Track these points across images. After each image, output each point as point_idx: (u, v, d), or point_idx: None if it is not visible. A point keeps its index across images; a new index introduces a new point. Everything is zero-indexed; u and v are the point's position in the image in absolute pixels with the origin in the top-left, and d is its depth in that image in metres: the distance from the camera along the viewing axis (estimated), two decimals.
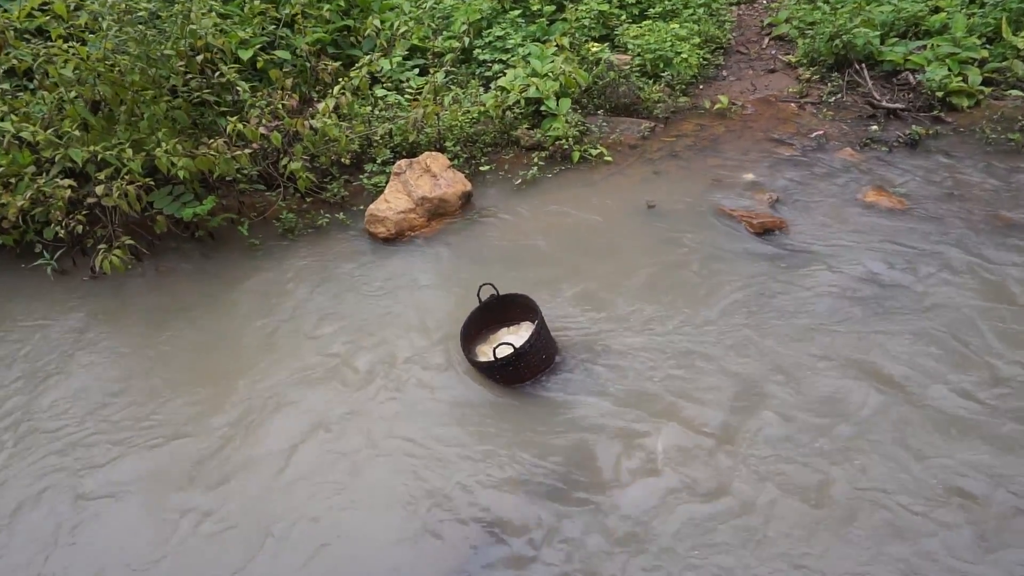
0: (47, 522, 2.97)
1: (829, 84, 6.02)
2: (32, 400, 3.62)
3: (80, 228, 4.22)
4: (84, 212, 4.25)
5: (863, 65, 5.97)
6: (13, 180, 4.29)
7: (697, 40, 6.33)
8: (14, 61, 4.19)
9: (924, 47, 5.85)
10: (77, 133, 4.10)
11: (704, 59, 6.40)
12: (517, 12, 6.35)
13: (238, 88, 4.61)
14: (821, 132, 5.43)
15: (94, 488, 3.11)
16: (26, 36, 4.55)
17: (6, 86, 4.59)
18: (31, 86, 4.70)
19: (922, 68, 5.67)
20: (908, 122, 5.39)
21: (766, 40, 6.88)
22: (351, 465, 3.09)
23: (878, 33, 5.97)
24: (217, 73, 4.60)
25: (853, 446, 2.90)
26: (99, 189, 4.04)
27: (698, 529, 2.64)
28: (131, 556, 2.80)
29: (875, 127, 5.40)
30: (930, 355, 3.28)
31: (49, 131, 4.11)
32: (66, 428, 3.42)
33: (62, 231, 4.25)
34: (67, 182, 4.10)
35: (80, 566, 2.79)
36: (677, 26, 6.23)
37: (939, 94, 5.41)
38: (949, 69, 5.47)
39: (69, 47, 4.12)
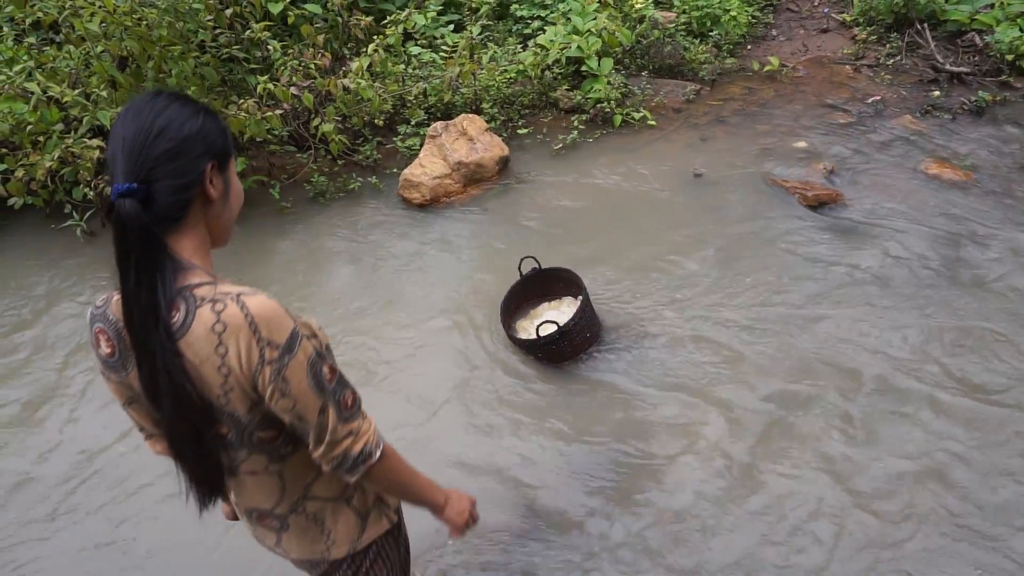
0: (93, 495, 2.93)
1: (887, 45, 5.68)
2: (58, 365, 3.56)
3: (109, 189, 4.11)
4: None
5: (925, 25, 5.61)
6: (41, 138, 4.19)
7: None
8: (40, 14, 4.04)
9: (992, 5, 5.47)
10: (104, 93, 3.95)
11: (753, 17, 6.08)
12: None
13: (268, 46, 4.42)
14: (878, 97, 5.13)
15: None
16: None
17: (32, 39, 4.45)
18: (58, 39, 4.56)
19: (990, 28, 5.30)
20: (973, 87, 5.07)
21: None
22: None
23: None
24: (258, 28, 4.41)
25: (923, 446, 2.74)
26: None
27: (752, 523, 2.52)
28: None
29: (937, 93, 5.09)
30: (1001, 345, 3.08)
31: (77, 91, 3.97)
32: (87, 395, 3.36)
33: (91, 192, 4.15)
34: (95, 142, 3.97)
35: None
36: None
37: (1009, 57, 5.07)
38: (1021, 30, 5.10)
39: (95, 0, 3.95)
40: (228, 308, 1.12)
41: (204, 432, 1.21)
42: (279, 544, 1.47)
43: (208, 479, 1.29)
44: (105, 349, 1.23)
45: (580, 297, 3.25)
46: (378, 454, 1.30)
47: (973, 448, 2.65)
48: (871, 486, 2.56)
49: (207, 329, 1.11)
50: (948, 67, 5.22)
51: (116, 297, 1.19)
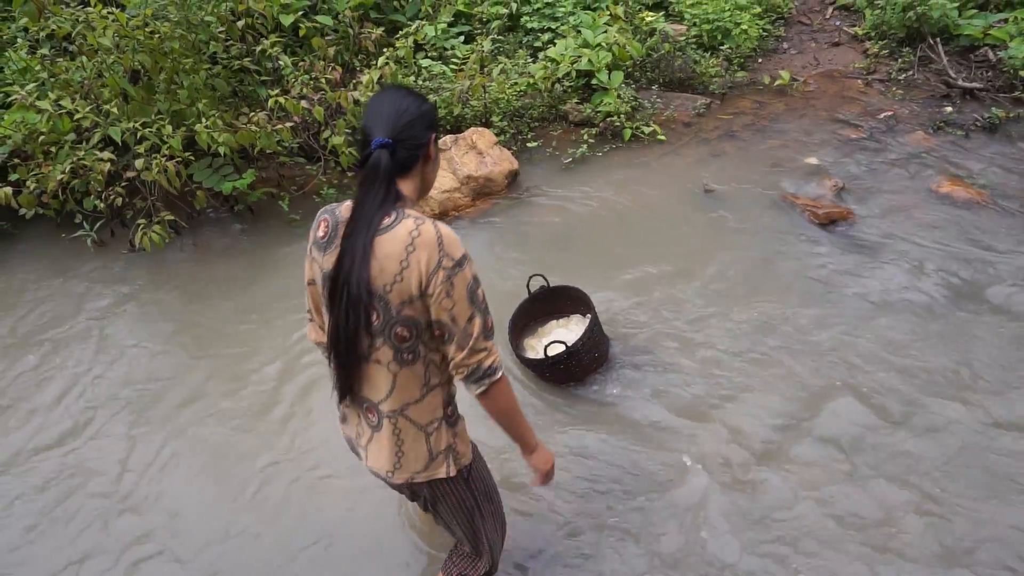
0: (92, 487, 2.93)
1: (899, 60, 5.65)
2: (64, 371, 3.57)
3: (119, 200, 4.13)
4: (123, 184, 4.15)
5: (937, 39, 5.58)
6: (53, 148, 4.21)
7: (757, 9, 5.98)
8: (54, 27, 4.06)
9: (1006, 20, 5.43)
10: (116, 111, 3.97)
11: (764, 30, 6.06)
12: None
13: (280, 61, 4.44)
14: (890, 113, 5.10)
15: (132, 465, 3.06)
16: (64, 0, 4.41)
17: (45, 51, 4.47)
18: (71, 49, 4.58)
19: (1004, 44, 5.26)
20: (986, 103, 5.03)
21: (830, 10, 6.48)
22: None
23: (956, 4, 5.55)
24: (260, 46, 4.43)
25: (929, 466, 2.71)
26: (138, 163, 3.93)
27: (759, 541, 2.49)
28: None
29: (950, 108, 5.05)
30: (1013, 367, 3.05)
31: (89, 105, 3.99)
32: (96, 401, 3.37)
33: (101, 203, 4.17)
34: (106, 155, 3.99)
35: None
36: None
37: (1022, 73, 5.02)
38: None
39: (108, 13, 3.97)
40: (425, 224, 1.55)
41: (359, 314, 1.56)
42: (369, 443, 1.77)
43: (349, 366, 1.65)
44: (320, 232, 1.66)
45: (588, 316, 3.24)
46: (500, 374, 1.68)
47: (975, 475, 2.62)
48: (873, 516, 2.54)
49: (406, 233, 1.54)
50: (961, 83, 5.19)
51: (347, 204, 1.65)
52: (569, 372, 3.16)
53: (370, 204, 1.55)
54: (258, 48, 4.49)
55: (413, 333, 1.61)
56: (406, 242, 1.53)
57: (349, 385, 1.71)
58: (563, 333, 3.34)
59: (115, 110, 3.98)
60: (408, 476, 1.76)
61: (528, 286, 3.40)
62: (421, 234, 1.54)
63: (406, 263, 1.53)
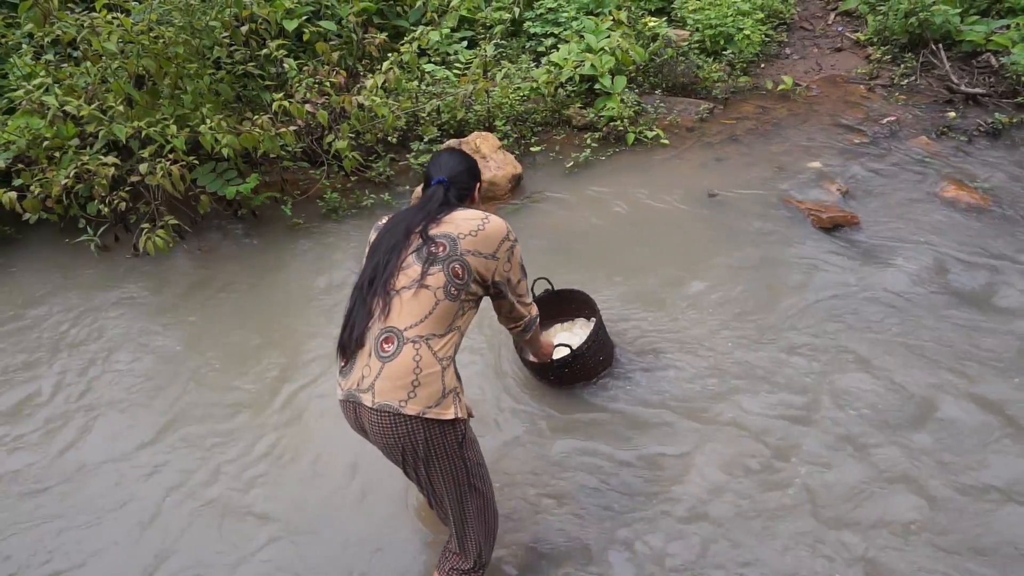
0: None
1: (902, 65, 5.66)
2: (68, 376, 3.56)
3: (123, 205, 4.13)
4: (127, 189, 4.15)
5: (940, 45, 5.59)
6: (57, 153, 4.22)
7: (760, 15, 6.00)
8: (59, 32, 4.07)
9: (1009, 26, 5.45)
10: (121, 108, 3.97)
11: (767, 36, 6.07)
12: None
13: (284, 64, 4.45)
14: (893, 118, 5.10)
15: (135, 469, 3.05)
16: (70, 5, 4.43)
17: (50, 56, 4.48)
18: (75, 54, 4.59)
19: (1006, 50, 5.28)
20: (989, 109, 5.04)
21: (832, 15, 6.50)
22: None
23: (958, 10, 5.57)
24: (264, 50, 4.44)
25: (920, 469, 2.69)
26: (143, 168, 3.93)
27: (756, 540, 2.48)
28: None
29: (952, 114, 5.06)
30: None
31: (93, 105, 3.99)
32: (99, 405, 3.36)
33: (105, 208, 4.17)
34: (110, 159, 3.99)
35: None
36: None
37: None
38: None
39: (113, 18, 3.98)
40: (493, 215, 2.09)
41: (425, 247, 1.99)
42: (378, 378, 1.90)
43: (387, 293, 1.96)
44: (383, 221, 2.17)
45: (593, 319, 3.23)
46: (537, 322, 2.41)
47: (973, 474, 2.61)
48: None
49: (478, 213, 2.08)
50: (963, 88, 5.19)
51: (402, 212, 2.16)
52: (574, 375, 3.15)
53: (429, 204, 2.11)
54: (261, 52, 4.50)
55: (465, 277, 1.99)
56: (481, 216, 2.06)
57: (374, 315, 1.96)
58: (568, 337, 3.33)
59: (120, 108, 3.98)
60: (420, 408, 1.88)
61: (532, 289, 3.39)
62: (490, 218, 2.06)
63: (482, 227, 2.03)
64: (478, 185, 2.27)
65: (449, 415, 1.91)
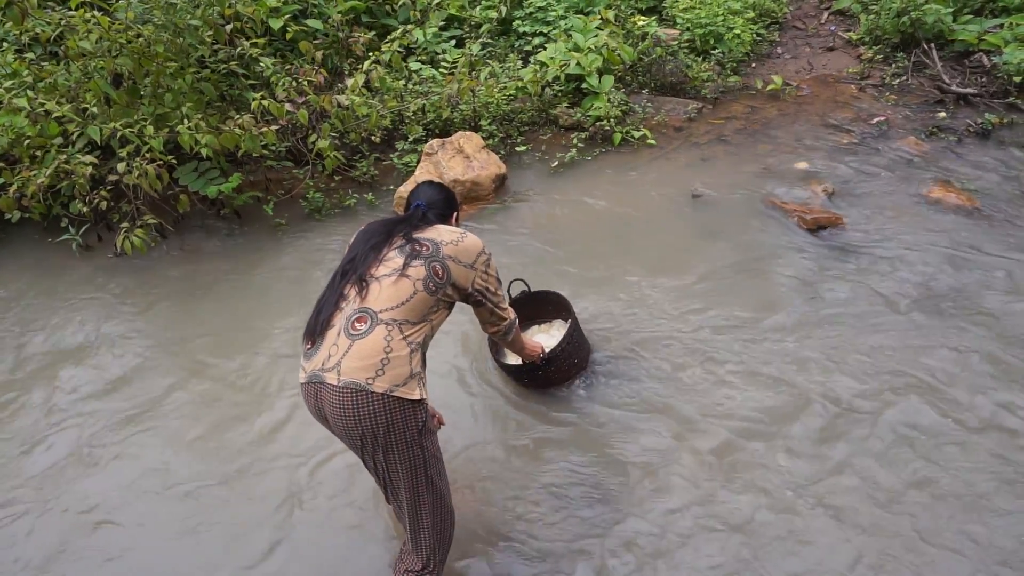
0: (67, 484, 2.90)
1: (893, 65, 5.61)
2: (51, 377, 3.55)
3: (104, 204, 4.11)
4: (108, 188, 4.14)
5: (932, 45, 5.54)
6: (40, 152, 4.20)
7: (751, 14, 5.96)
8: (38, 30, 4.05)
9: (1001, 26, 5.39)
10: (95, 111, 3.95)
11: (757, 35, 6.03)
12: None
13: (261, 64, 4.42)
14: (883, 118, 5.06)
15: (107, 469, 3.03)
16: (49, 4, 4.41)
17: (32, 55, 4.47)
18: (59, 52, 4.57)
19: (998, 49, 5.23)
20: (980, 109, 4.99)
21: (825, 15, 6.45)
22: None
23: (950, 10, 5.52)
24: (248, 46, 4.42)
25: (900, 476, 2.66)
26: (120, 167, 3.91)
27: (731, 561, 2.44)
28: None
29: (943, 114, 5.01)
30: (998, 377, 2.99)
31: (69, 106, 3.97)
32: (79, 407, 3.34)
33: (85, 207, 4.15)
34: (89, 159, 3.97)
35: None
36: None
37: (1016, 79, 4.99)
38: None
39: (90, 16, 3.96)
40: (468, 233, 2.22)
41: (407, 242, 2.11)
42: (346, 355, 1.92)
43: (363, 276, 2.06)
44: (364, 227, 2.27)
45: (569, 321, 3.20)
46: (516, 325, 2.55)
47: (962, 473, 2.57)
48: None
49: (453, 230, 2.20)
50: (954, 88, 5.14)
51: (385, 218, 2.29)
52: (548, 378, 3.11)
53: (411, 218, 2.25)
54: (237, 50, 4.47)
55: (445, 278, 2.10)
56: (460, 231, 2.21)
57: (348, 298, 2.04)
58: (545, 339, 3.29)
59: (95, 110, 3.96)
60: (387, 386, 1.90)
61: (509, 291, 3.36)
62: (468, 235, 2.21)
63: (462, 239, 2.17)
64: (455, 214, 2.44)
65: (415, 395, 1.95)
